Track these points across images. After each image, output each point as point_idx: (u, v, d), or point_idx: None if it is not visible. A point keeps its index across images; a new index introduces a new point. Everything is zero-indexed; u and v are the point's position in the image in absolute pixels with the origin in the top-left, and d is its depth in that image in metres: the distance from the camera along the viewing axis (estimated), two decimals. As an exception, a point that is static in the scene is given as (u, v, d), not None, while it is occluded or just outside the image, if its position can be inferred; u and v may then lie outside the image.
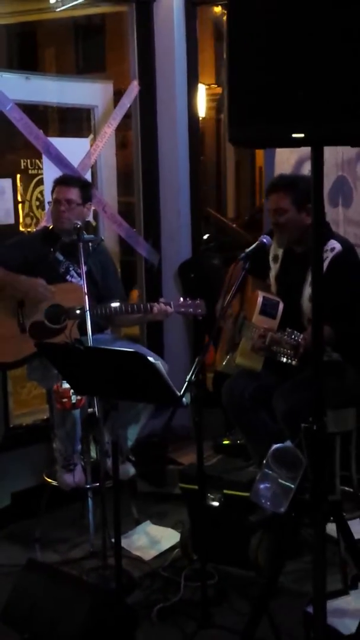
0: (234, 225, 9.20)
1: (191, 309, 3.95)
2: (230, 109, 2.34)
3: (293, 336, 3.35)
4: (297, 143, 2.38)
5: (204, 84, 5.37)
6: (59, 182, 4.18)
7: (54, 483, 4.03)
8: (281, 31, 2.24)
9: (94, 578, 3.58)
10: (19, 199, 5.15)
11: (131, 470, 4.13)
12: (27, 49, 10.72)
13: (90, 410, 3.69)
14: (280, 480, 2.72)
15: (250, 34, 2.29)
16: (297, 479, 2.64)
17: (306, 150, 2.46)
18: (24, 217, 5.15)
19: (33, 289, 3.95)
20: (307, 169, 4.38)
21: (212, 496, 3.67)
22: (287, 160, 4.77)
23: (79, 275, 3.97)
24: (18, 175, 5.24)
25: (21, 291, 3.96)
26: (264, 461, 2.82)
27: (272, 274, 3.93)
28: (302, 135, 2.29)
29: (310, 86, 2.22)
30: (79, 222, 3.96)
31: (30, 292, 3.96)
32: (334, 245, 3.65)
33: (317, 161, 2.41)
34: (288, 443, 2.78)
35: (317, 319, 2.47)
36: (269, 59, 2.25)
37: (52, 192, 4.16)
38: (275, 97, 2.25)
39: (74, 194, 4.09)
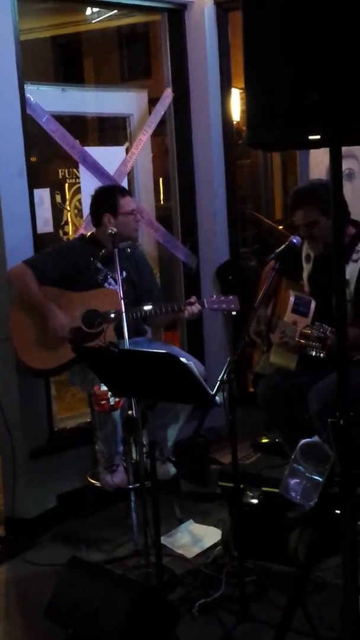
0: (281, 227, 9.22)
1: (224, 305, 4.00)
2: (248, 112, 2.39)
3: (321, 329, 3.41)
4: (315, 145, 2.42)
5: (237, 88, 5.40)
6: (124, 193, 4.26)
7: (98, 484, 4.12)
8: (295, 33, 2.26)
9: (137, 576, 3.65)
10: (67, 207, 5.29)
11: (172, 470, 4.21)
12: (72, 60, 10.85)
13: (129, 412, 3.77)
14: (308, 475, 2.76)
15: (265, 38, 2.32)
16: (325, 472, 2.69)
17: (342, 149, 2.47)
18: (63, 226, 5.27)
19: (52, 323, 4.03)
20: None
21: (251, 494, 3.72)
22: (322, 161, 4.80)
23: (116, 282, 4.05)
24: (66, 185, 5.37)
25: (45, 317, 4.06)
26: (293, 456, 2.87)
27: (305, 274, 3.96)
28: (318, 136, 2.34)
29: (324, 87, 2.24)
30: (114, 229, 4.03)
31: (49, 323, 4.03)
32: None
33: (336, 162, 2.44)
34: (315, 438, 2.82)
35: (340, 319, 2.51)
36: (284, 62, 2.28)
37: (116, 203, 4.18)
38: (291, 100, 2.29)
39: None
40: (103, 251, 4.16)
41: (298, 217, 3.80)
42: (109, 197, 4.23)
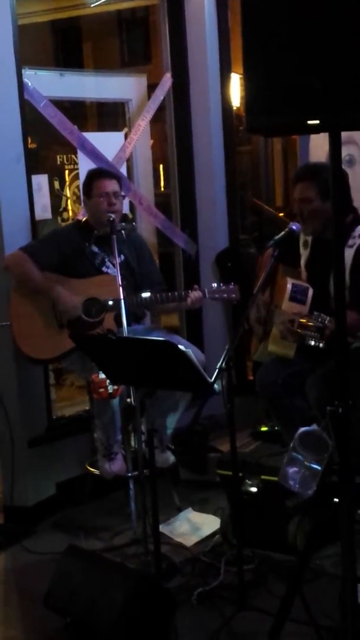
0: (281, 215, 9.18)
1: (225, 294, 3.99)
2: (247, 97, 2.36)
3: (320, 319, 3.39)
4: (314, 130, 2.39)
5: (237, 73, 5.36)
6: (102, 175, 4.19)
7: (97, 472, 4.11)
8: (294, 17, 2.24)
9: (135, 564, 3.64)
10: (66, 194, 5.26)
11: (171, 458, 4.20)
12: (71, 45, 10.80)
13: (128, 400, 3.76)
14: (307, 463, 2.75)
15: (264, 22, 2.29)
16: (323, 461, 2.67)
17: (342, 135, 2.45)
18: (62, 212, 5.24)
19: (62, 304, 4.01)
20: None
21: (250, 482, 3.71)
22: (322, 146, 4.77)
23: (115, 265, 4.03)
24: (65, 171, 5.34)
25: (52, 299, 4.03)
26: (291, 445, 2.85)
27: (302, 260, 3.94)
28: (317, 121, 2.31)
29: (324, 72, 2.22)
30: (112, 215, 4.02)
31: (59, 305, 4.02)
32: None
33: (335, 147, 2.41)
34: (314, 426, 2.80)
35: (340, 305, 2.49)
36: (284, 46, 2.25)
37: (90, 186, 4.18)
38: (290, 84, 2.26)
39: (117, 185, 4.16)
40: (94, 232, 4.14)
41: (296, 191, 3.79)
42: (85, 180, 4.24)
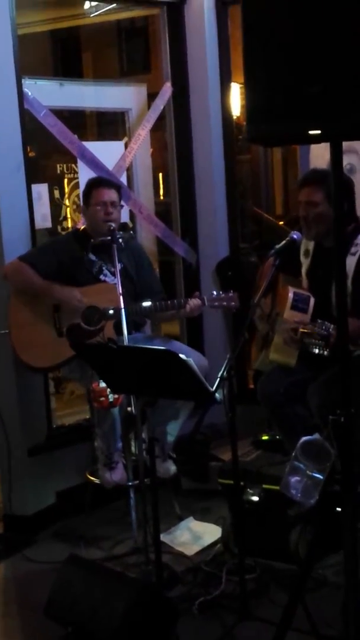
0: (281, 223, 9.18)
1: (225, 302, 3.99)
2: (248, 107, 2.36)
3: (324, 327, 3.39)
4: (315, 140, 2.39)
5: (237, 83, 5.37)
6: (101, 184, 4.20)
7: (97, 481, 4.10)
8: (295, 27, 2.24)
9: (136, 573, 3.63)
10: (66, 203, 5.27)
11: (172, 467, 4.19)
12: (71, 54, 10.80)
13: (129, 409, 3.76)
14: (309, 472, 2.74)
15: (265, 31, 2.29)
16: (326, 470, 2.66)
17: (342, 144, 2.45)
18: (62, 221, 5.24)
19: (67, 300, 4.02)
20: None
21: (251, 491, 3.71)
22: (322, 155, 4.77)
23: (113, 274, 4.03)
24: (64, 180, 5.34)
25: (55, 300, 4.03)
26: (293, 454, 2.85)
27: (304, 269, 3.94)
28: (318, 131, 2.31)
29: (325, 81, 2.22)
30: (113, 224, 4.02)
31: (63, 302, 4.02)
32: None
33: (336, 156, 2.41)
34: (316, 435, 2.80)
35: (342, 313, 2.49)
36: (284, 56, 2.26)
37: (88, 195, 4.20)
38: (291, 94, 2.26)
39: (116, 195, 4.16)
40: (92, 240, 4.14)
41: (302, 194, 3.78)
42: (85, 188, 4.25)
